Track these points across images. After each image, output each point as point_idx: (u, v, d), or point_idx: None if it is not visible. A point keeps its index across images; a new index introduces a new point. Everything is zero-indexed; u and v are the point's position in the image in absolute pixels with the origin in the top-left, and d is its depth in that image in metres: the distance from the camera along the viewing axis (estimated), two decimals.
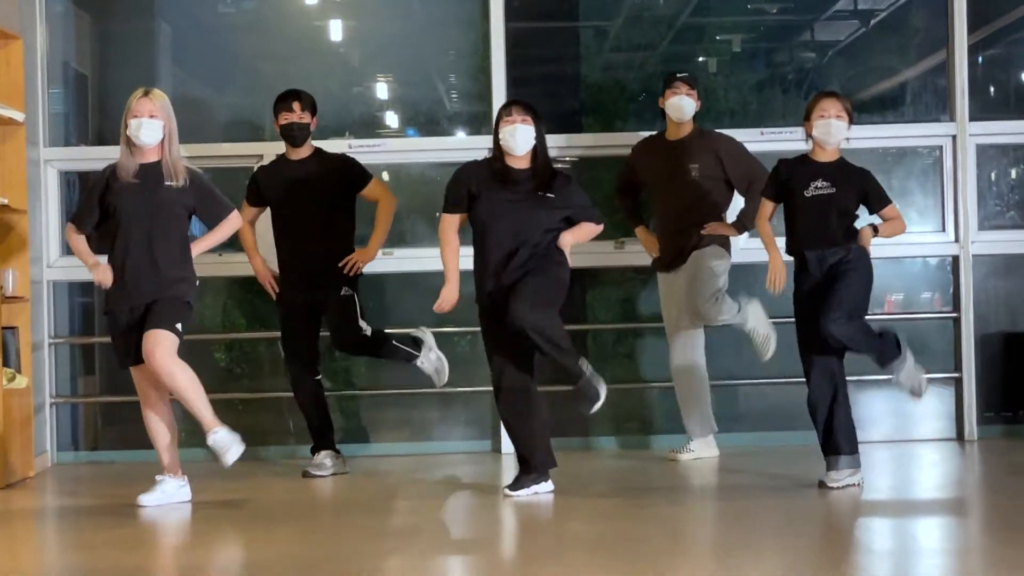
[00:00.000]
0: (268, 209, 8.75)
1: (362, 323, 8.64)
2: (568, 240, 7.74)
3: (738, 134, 9.43)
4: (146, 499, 7.63)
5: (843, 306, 7.49)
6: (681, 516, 7.18)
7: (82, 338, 9.75)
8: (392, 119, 10.14)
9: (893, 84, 10.03)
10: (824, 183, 7.63)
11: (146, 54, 9.87)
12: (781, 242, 7.82)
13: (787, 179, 7.74)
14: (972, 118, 9.52)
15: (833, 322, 7.45)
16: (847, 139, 7.73)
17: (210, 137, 9.68)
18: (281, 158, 8.77)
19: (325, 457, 8.69)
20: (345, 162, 8.77)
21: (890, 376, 7.76)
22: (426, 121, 9.88)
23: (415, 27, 9.91)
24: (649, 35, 10.19)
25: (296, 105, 8.59)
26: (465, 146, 9.59)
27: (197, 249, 7.75)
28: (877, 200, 7.74)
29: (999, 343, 9.72)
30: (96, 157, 9.46)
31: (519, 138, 7.71)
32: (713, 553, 6.39)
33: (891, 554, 6.34)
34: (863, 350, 7.62)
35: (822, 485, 7.61)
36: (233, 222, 7.81)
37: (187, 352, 9.66)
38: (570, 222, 7.77)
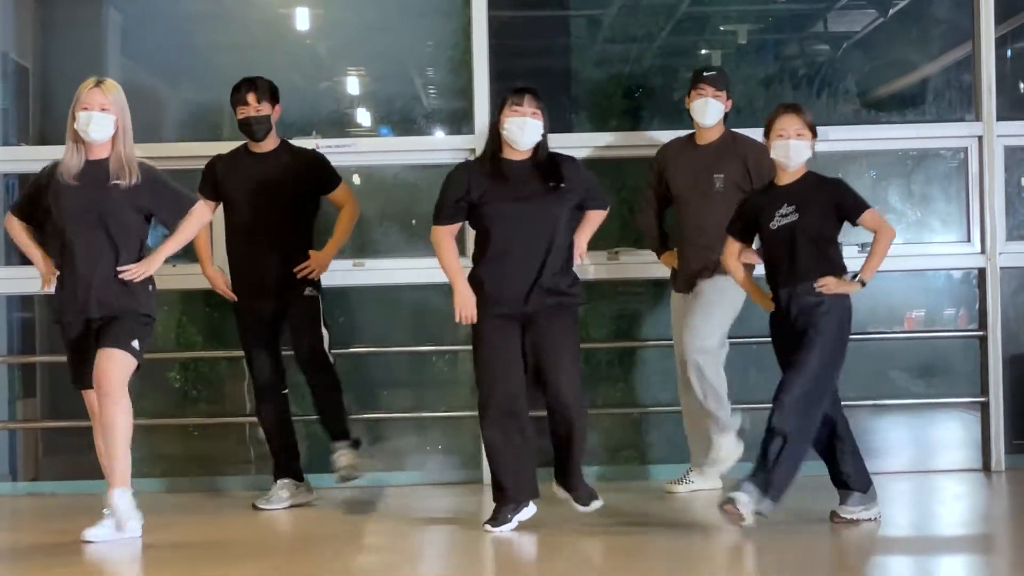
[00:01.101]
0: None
1: (324, 332, 8.55)
2: (584, 245, 7.76)
3: (744, 132, 9.45)
4: (93, 534, 7.47)
5: (800, 383, 7.35)
6: (676, 554, 7.11)
7: (21, 357, 9.68)
8: (364, 117, 10.12)
9: (913, 80, 10.03)
10: (788, 208, 7.48)
11: (94, 44, 9.82)
12: None
13: (754, 211, 7.65)
14: (1000, 117, 9.51)
15: (781, 409, 7.33)
16: (812, 156, 7.60)
17: (164, 136, 9.67)
18: (242, 149, 8.65)
19: (282, 488, 8.56)
20: (315, 159, 8.69)
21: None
22: (401, 119, 9.83)
23: (389, 16, 9.88)
24: (646, 25, 10.17)
25: (251, 96, 8.46)
26: (444, 147, 9.59)
27: (162, 254, 7.64)
28: (852, 209, 7.54)
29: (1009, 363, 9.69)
30: (38, 158, 9.32)
31: (527, 132, 7.63)
32: None
33: None
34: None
35: (834, 516, 7.57)
36: (199, 215, 7.72)
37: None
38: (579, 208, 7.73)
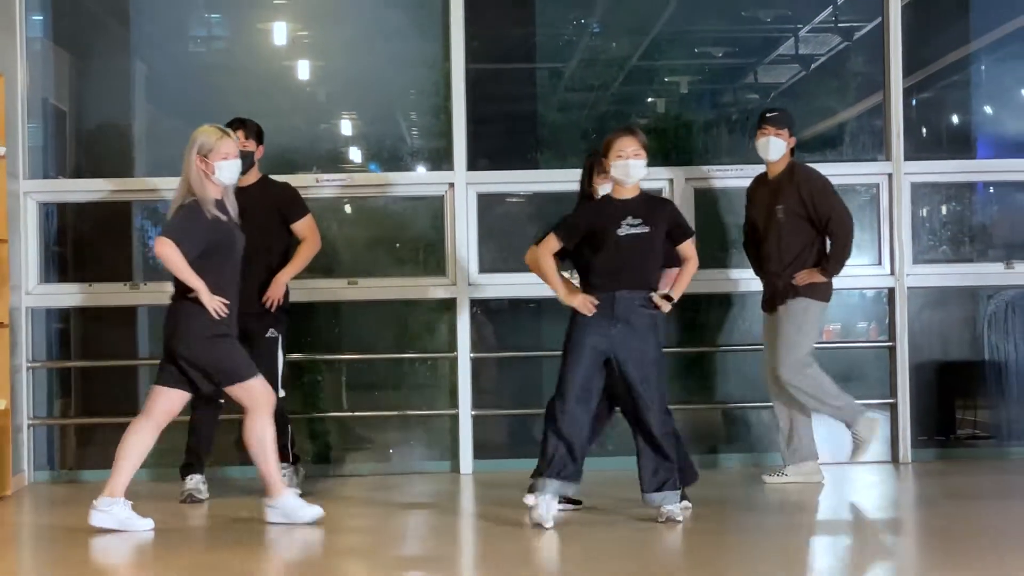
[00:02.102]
0: None
1: (280, 366, 8.40)
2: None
3: (688, 171, 9.53)
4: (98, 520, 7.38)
5: (656, 401, 7.32)
6: (633, 538, 7.13)
7: (59, 362, 9.71)
8: (356, 154, 10.14)
9: (832, 124, 10.09)
10: (636, 220, 7.33)
11: (122, 91, 9.85)
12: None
13: (593, 220, 7.40)
14: (907, 158, 9.58)
15: (654, 417, 7.27)
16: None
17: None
18: None
19: (199, 482, 8.43)
20: (285, 191, 8.59)
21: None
22: (389, 157, 9.88)
23: (379, 67, 9.91)
24: (602, 76, 10.24)
25: (240, 134, 8.36)
26: (426, 181, 9.63)
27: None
28: (681, 232, 7.47)
29: (932, 371, 9.79)
30: (73, 189, 9.50)
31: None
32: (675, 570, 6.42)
33: (829, 572, 6.38)
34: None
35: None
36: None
37: (114, 377, 9.73)
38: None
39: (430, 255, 9.63)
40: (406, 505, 8.24)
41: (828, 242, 8.53)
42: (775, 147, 8.58)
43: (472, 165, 9.56)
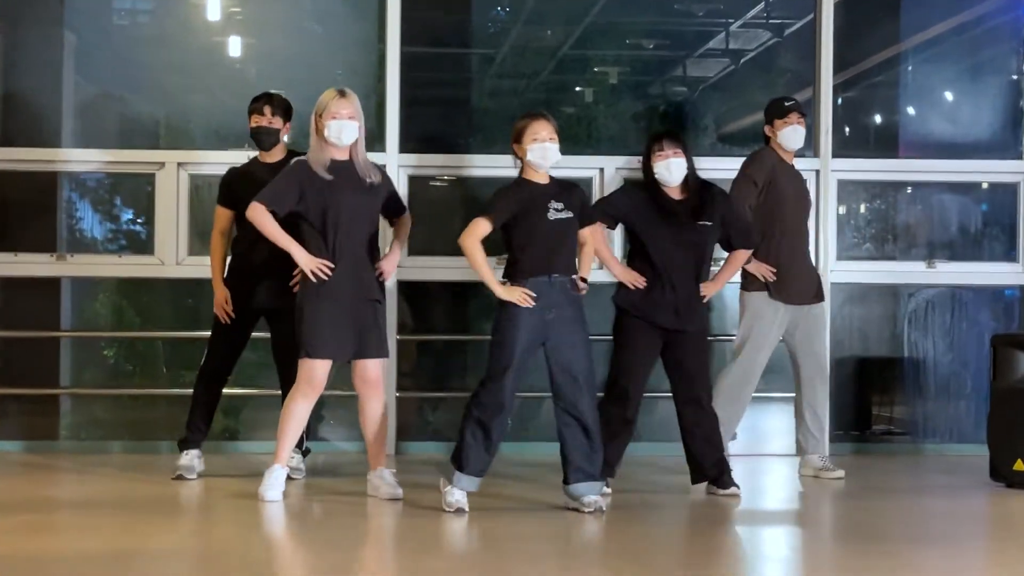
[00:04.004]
0: None
1: None
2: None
3: (616, 160, 9.46)
4: (271, 494, 7.36)
5: (588, 388, 7.20)
6: (560, 527, 7.03)
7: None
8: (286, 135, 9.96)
9: (761, 120, 10.03)
10: (559, 204, 7.21)
11: (51, 61, 9.62)
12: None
13: (518, 204, 7.22)
14: (834, 155, 9.57)
15: (586, 405, 7.17)
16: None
17: (109, 144, 9.49)
18: (254, 160, 8.29)
19: (193, 457, 8.20)
20: None
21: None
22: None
23: (313, 47, 9.80)
24: (533, 64, 10.17)
25: (267, 109, 8.19)
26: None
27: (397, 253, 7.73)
28: (589, 215, 7.45)
29: (852, 366, 9.82)
30: (3, 158, 9.27)
31: (673, 171, 7.65)
32: (599, 557, 6.37)
33: (747, 563, 6.35)
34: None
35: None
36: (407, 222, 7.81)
37: (78, 349, 9.58)
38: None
39: None
40: (326, 490, 8.07)
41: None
42: (800, 136, 8.42)
43: (404, 147, 9.46)
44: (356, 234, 7.45)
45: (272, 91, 8.31)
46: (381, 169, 7.64)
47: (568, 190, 7.35)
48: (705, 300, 7.79)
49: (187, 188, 9.36)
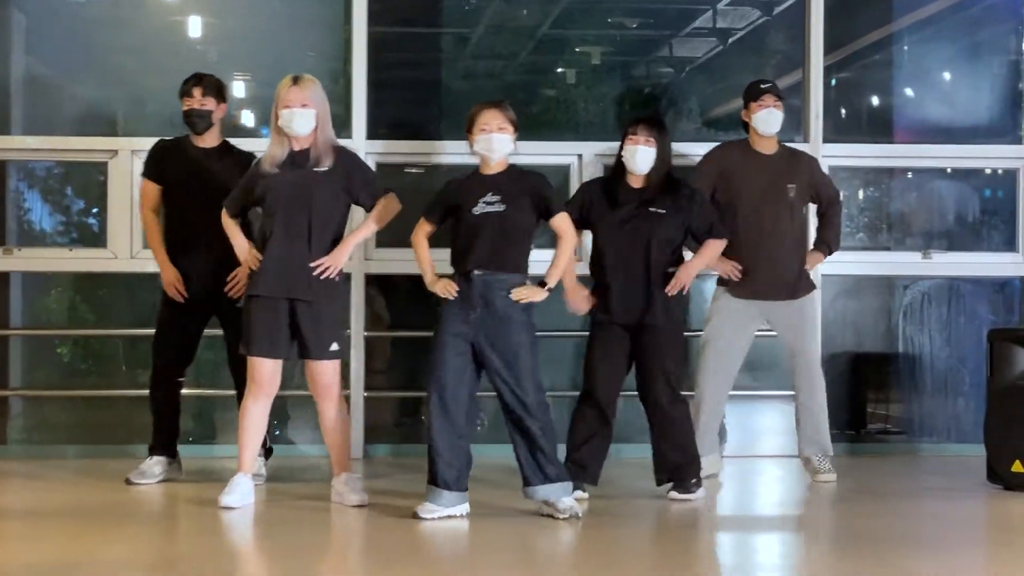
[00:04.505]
0: None
1: None
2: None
3: (596, 146, 9.44)
4: (228, 500, 7.35)
5: (527, 390, 7.13)
6: (529, 531, 7.03)
7: None
8: (248, 119, 9.98)
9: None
10: (494, 197, 7.18)
11: None
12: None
13: (455, 197, 7.31)
14: (825, 139, 9.56)
15: (522, 407, 7.11)
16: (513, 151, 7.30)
17: (62, 130, 9.45)
18: (185, 139, 8.26)
19: (155, 463, 8.18)
20: (245, 159, 8.12)
21: None
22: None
23: (276, 27, 9.77)
24: (510, 44, 10.14)
25: (197, 91, 8.15)
26: None
27: (351, 244, 7.62)
28: (550, 207, 7.29)
29: (845, 363, 9.81)
30: None
31: (638, 159, 7.67)
32: (571, 565, 6.36)
33: (731, 569, 6.32)
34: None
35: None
36: (392, 206, 7.70)
37: (29, 348, 9.54)
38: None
39: None
40: (290, 495, 8.04)
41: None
42: (776, 120, 8.39)
43: (372, 134, 9.44)
44: (292, 225, 7.41)
45: (203, 72, 8.28)
46: (346, 153, 7.57)
47: (518, 180, 7.25)
48: (670, 294, 7.67)
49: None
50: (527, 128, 9.45)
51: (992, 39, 10.21)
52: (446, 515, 7.10)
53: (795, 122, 9.72)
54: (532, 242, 7.32)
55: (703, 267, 7.91)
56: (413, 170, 9.77)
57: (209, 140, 8.22)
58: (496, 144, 7.20)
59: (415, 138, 9.60)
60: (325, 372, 7.49)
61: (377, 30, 9.48)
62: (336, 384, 7.54)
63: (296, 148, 7.47)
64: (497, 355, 7.13)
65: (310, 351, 7.46)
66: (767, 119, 8.35)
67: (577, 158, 9.49)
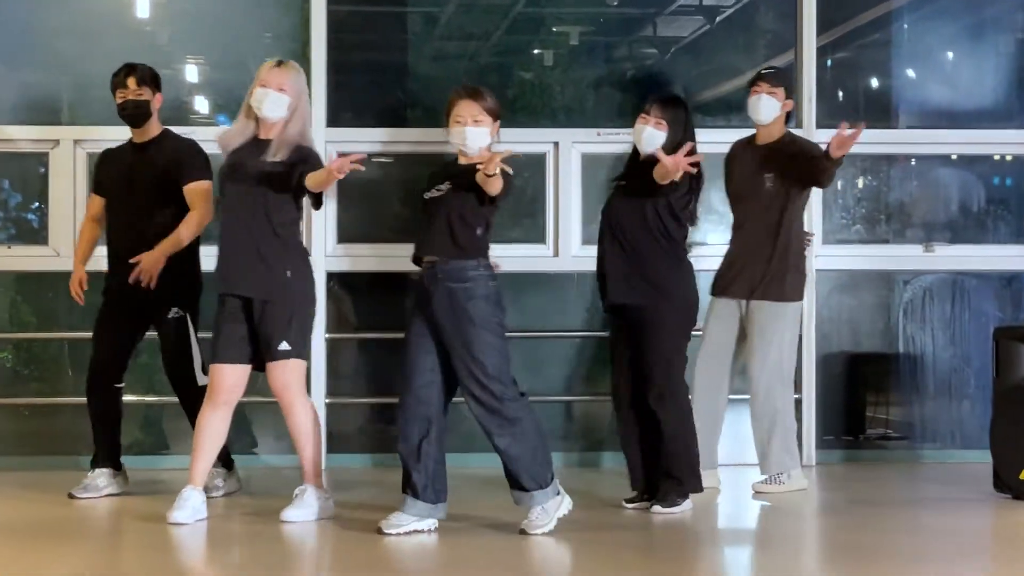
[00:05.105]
0: None
1: (196, 353, 8.14)
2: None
3: (574, 134, 9.39)
4: (177, 515, 7.30)
5: (483, 370, 7.01)
6: (513, 548, 6.95)
7: None
8: (202, 105, 9.94)
9: (738, 86, 10.00)
10: (444, 185, 7.15)
11: None
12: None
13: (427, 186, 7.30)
14: (819, 125, 9.53)
15: (476, 396, 7.02)
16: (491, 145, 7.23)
17: None
18: (128, 141, 8.30)
19: (98, 476, 8.15)
20: (185, 147, 8.19)
21: None
22: (239, 108, 9.56)
23: (230, 7, 9.72)
24: (482, 24, 10.10)
25: (131, 80, 8.14)
26: None
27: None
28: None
29: (841, 363, 9.78)
30: None
31: (644, 141, 7.75)
32: None
33: None
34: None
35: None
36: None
37: None
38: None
39: None
40: (248, 510, 7.98)
41: None
42: (767, 107, 8.41)
43: (333, 121, 9.43)
44: (236, 221, 7.41)
45: (134, 62, 8.30)
46: (303, 150, 7.48)
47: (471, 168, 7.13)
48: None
49: (85, 169, 9.25)
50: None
51: (998, 16, 10.19)
52: (411, 529, 7.04)
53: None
54: (481, 227, 7.17)
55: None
56: (380, 159, 9.72)
57: (148, 133, 8.22)
58: (469, 138, 7.15)
59: (380, 125, 9.54)
60: (278, 375, 7.44)
61: (338, 9, 9.46)
62: (290, 388, 7.46)
63: (261, 135, 7.48)
64: (450, 338, 7.04)
65: (265, 353, 7.44)
66: (755, 106, 8.42)
67: (553, 146, 9.46)
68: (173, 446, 9.45)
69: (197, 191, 8.12)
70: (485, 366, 7.00)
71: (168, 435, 9.53)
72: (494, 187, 6.92)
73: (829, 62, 9.96)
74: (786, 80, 8.58)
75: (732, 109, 9.84)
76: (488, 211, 7.11)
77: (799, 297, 8.46)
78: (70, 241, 9.15)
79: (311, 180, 7.26)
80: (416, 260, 7.22)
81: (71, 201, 9.21)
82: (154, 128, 8.22)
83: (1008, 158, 10.02)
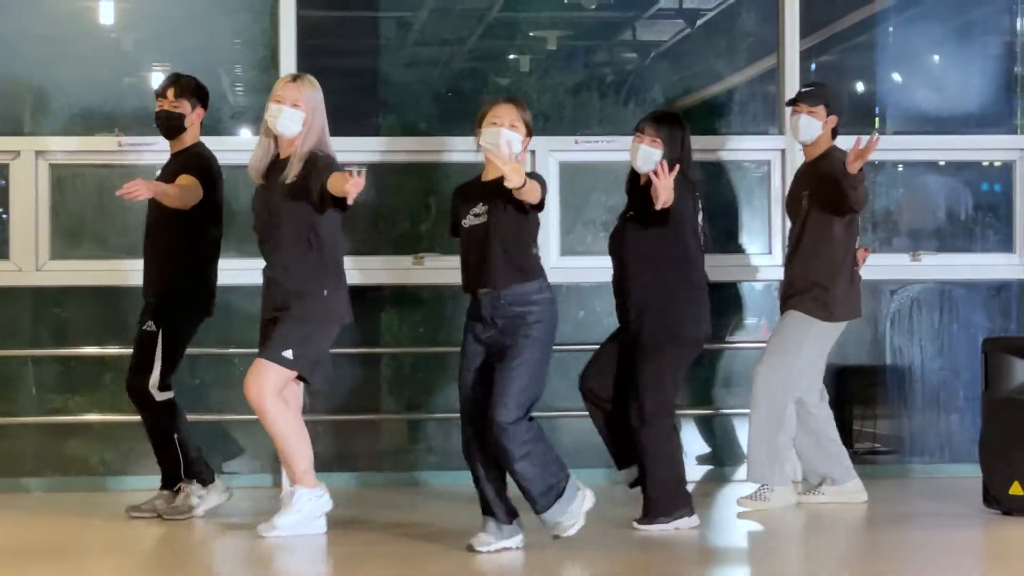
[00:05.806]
0: None
1: (155, 376, 8.09)
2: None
3: (551, 141, 9.38)
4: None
5: (510, 394, 6.97)
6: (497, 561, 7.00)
7: None
8: None
9: (719, 91, 10.04)
10: (482, 208, 7.11)
11: None
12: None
13: (456, 208, 7.32)
14: None
15: (502, 419, 6.93)
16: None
17: None
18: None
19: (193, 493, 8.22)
20: (193, 160, 8.19)
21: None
22: (207, 117, 9.54)
23: (197, 12, 9.71)
24: (457, 29, 10.13)
25: (170, 92, 8.17)
26: (249, 147, 9.30)
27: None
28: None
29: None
30: None
31: (639, 159, 7.83)
32: None
33: None
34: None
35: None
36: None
37: None
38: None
39: None
40: (222, 526, 7.97)
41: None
42: (806, 127, 8.43)
43: None
44: (268, 243, 7.58)
45: (181, 72, 8.35)
46: (315, 158, 7.51)
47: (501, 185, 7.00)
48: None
49: (47, 181, 9.23)
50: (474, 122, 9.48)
51: (985, 18, 10.22)
52: (500, 547, 7.11)
53: (769, 112, 9.70)
54: (535, 243, 7.22)
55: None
56: (353, 169, 9.69)
57: (180, 144, 8.25)
58: (504, 138, 7.07)
59: (351, 134, 9.50)
60: (252, 378, 7.47)
61: (308, 14, 9.44)
62: (260, 392, 7.45)
63: (281, 154, 7.58)
64: (493, 382, 7.05)
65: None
66: (794, 127, 8.53)
67: (530, 155, 9.43)
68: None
69: (187, 181, 8.04)
70: (504, 402, 6.96)
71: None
72: (532, 195, 6.92)
73: (813, 66, 9.97)
74: (826, 96, 8.52)
75: (714, 115, 9.85)
76: (535, 222, 7.15)
77: (827, 317, 8.42)
78: (32, 255, 9.12)
79: (333, 186, 7.31)
80: (469, 290, 7.19)
81: (32, 214, 9.15)
82: (187, 140, 8.24)
83: (995, 164, 10.03)
